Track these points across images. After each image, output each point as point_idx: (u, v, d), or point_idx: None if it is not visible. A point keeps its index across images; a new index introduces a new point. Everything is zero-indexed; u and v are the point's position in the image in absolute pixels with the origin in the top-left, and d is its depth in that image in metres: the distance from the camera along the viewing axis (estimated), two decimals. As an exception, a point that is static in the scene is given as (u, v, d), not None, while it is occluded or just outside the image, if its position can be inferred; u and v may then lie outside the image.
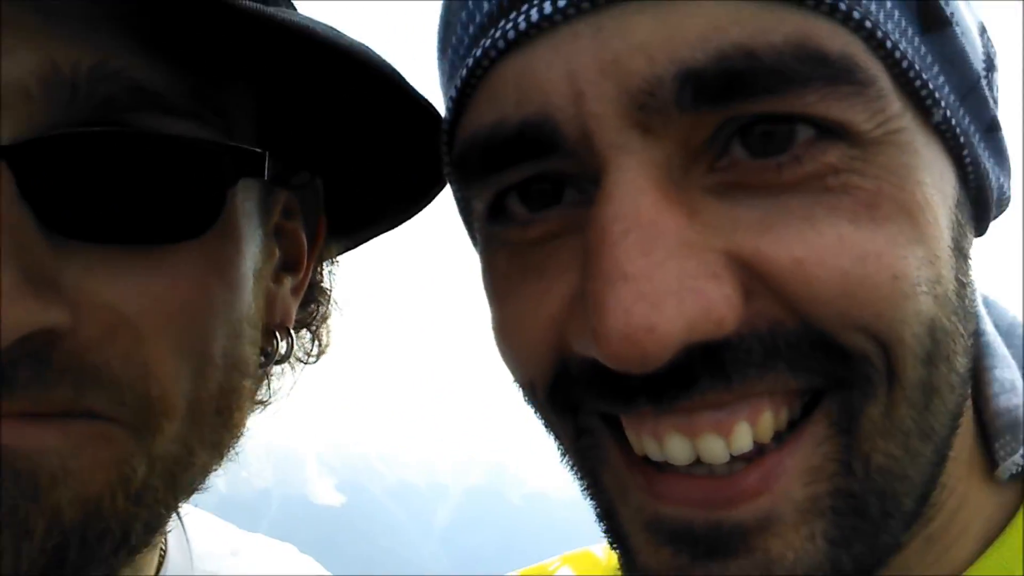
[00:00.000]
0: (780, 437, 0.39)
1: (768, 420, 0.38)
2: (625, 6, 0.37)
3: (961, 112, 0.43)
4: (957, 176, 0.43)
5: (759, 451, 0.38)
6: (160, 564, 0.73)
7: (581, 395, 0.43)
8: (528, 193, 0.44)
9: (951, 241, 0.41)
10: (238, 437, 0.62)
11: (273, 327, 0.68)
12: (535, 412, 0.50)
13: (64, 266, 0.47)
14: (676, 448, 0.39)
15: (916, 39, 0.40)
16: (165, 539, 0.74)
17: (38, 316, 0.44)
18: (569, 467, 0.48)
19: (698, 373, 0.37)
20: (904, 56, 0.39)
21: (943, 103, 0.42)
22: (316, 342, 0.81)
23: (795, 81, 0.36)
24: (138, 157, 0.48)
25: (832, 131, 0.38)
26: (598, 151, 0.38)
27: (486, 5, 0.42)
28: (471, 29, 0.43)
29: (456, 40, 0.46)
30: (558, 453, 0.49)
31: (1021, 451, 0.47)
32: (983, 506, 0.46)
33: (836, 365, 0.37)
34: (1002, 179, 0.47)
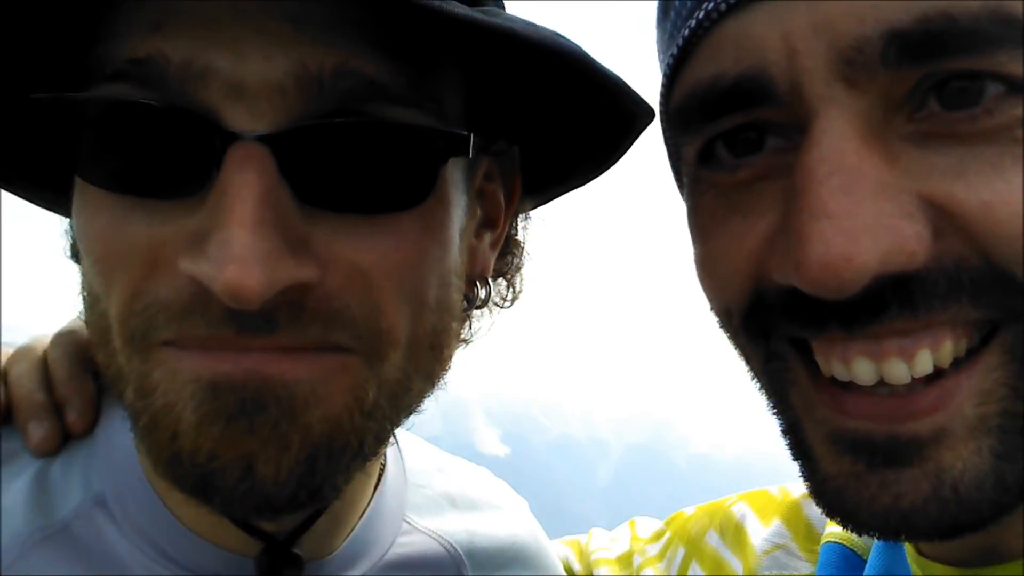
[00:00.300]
0: (958, 363, 0.42)
1: (948, 347, 0.42)
2: None
3: None
4: None
5: (937, 374, 0.42)
6: (381, 473, 0.87)
7: (775, 321, 0.48)
8: (735, 141, 0.49)
9: None
10: (447, 370, 0.73)
11: (474, 276, 0.79)
12: (729, 338, 0.54)
13: (314, 231, 0.58)
14: (862, 369, 0.43)
15: None
16: (384, 454, 0.87)
17: (295, 272, 0.55)
18: (758, 388, 0.53)
19: (888, 302, 0.41)
20: None
21: None
22: (511, 289, 0.92)
23: (989, 42, 0.39)
24: (371, 141, 0.59)
25: (1019, 87, 0.41)
26: (807, 101, 0.42)
27: None
28: None
29: (679, 3, 0.51)
30: (748, 376, 0.54)
31: None
32: None
33: (1014, 299, 0.40)
34: None
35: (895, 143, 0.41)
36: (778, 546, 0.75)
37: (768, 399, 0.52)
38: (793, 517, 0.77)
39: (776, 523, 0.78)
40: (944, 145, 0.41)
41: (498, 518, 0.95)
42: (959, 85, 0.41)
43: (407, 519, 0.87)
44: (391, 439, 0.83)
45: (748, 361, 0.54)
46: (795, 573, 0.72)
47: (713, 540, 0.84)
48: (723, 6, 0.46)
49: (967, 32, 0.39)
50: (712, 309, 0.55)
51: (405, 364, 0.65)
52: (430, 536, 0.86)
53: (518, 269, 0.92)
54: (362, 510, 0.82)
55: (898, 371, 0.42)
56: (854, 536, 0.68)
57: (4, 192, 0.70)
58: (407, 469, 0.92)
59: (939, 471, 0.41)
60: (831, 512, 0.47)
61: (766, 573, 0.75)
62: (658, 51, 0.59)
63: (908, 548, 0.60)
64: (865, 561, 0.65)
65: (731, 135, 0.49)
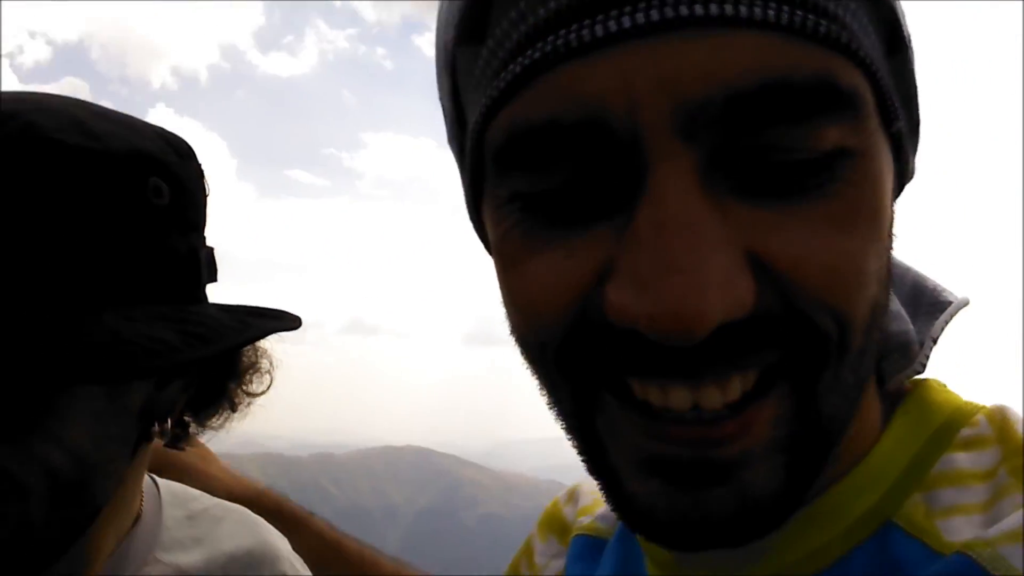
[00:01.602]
0: (759, 392, 0.45)
1: (752, 378, 0.44)
2: (681, 33, 0.41)
3: (903, 118, 0.50)
4: (895, 175, 0.50)
5: (743, 403, 0.44)
6: (137, 520, 0.86)
7: (599, 359, 0.47)
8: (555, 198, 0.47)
9: (889, 232, 0.49)
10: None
11: None
12: (535, 372, 0.52)
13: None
14: (680, 398, 0.44)
15: (884, 61, 0.47)
16: (142, 507, 0.87)
17: None
18: (557, 414, 0.52)
19: (718, 349, 0.42)
20: (883, 80, 0.46)
21: (899, 114, 0.48)
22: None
23: (817, 111, 0.42)
24: None
25: (834, 153, 0.43)
26: (646, 152, 0.42)
27: (543, 11, 0.45)
28: (522, 28, 0.46)
29: (501, 32, 0.48)
30: (549, 406, 0.53)
31: (913, 367, 0.56)
32: (870, 415, 0.54)
33: (807, 342, 0.43)
34: (913, 157, 0.54)
35: (724, 196, 0.43)
36: (552, 556, 0.78)
37: (567, 423, 0.52)
38: (557, 524, 0.79)
39: (550, 537, 0.80)
40: (763, 199, 0.43)
41: (234, 538, 0.94)
42: (785, 146, 0.43)
43: (156, 556, 0.86)
44: (156, 490, 0.89)
45: (553, 392, 0.52)
46: (556, 573, 0.74)
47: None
48: (563, 50, 0.44)
49: (799, 101, 0.42)
50: (521, 342, 0.52)
51: None
52: (168, 567, 0.86)
53: None
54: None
55: (713, 399, 0.44)
56: (600, 524, 0.71)
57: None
58: (164, 515, 0.90)
59: (743, 488, 0.44)
60: (635, 527, 0.48)
61: None
62: (455, 68, 0.53)
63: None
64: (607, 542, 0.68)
65: (550, 194, 0.47)
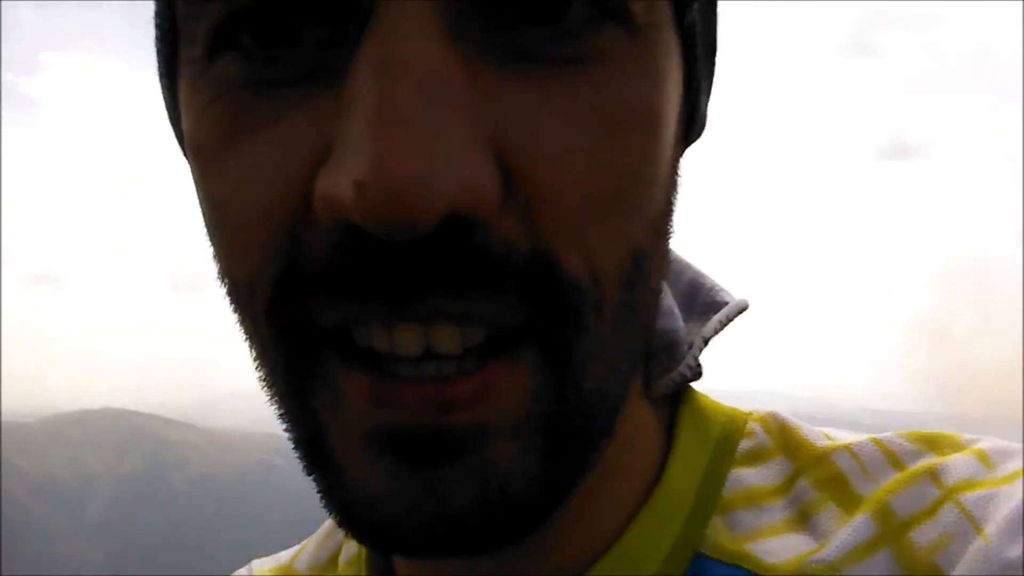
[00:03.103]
0: (501, 350, 0.36)
1: (495, 333, 0.36)
2: None
3: (700, 23, 0.41)
4: (681, 91, 0.41)
5: (485, 357, 0.36)
6: None
7: (311, 300, 0.36)
8: (261, 27, 0.35)
9: (671, 160, 0.40)
10: None
11: None
12: (240, 321, 0.41)
13: None
14: (407, 338, 0.35)
15: None
16: None
17: None
18: (267, 387, 0.41)
19: (439, 264, 0.33)
20: None
21: (696, 5, 0.40)
22: None
23: None
24: None
25: (610, 11, 0.35)
26: None
27: None
28: None
29: None
30: (260, 382, 0.42)
31: (679, 370, 0.49)
32: (643, 424, 0.48)
33: (555, 296, 0.35)
34: (706, 104, 0.47)
35: (473, 54, 0.33)
36: None
37: (280, 404, 0.41)
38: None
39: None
40: (519, 69, 0.34)
41: None
42: None
43: None
44: None
45: (262, 355, 0.41)
46: None
47: None
48: None
49: None
50: (228, 278, 0.40)
51: None
52: None
53: None
54: None
55: (449, 339, 0.35)
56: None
57: None
58: None
59: (484, 468, 0.35)
60: (359, 532, 0.39)
61: None
62: None
63: None
64: None
65: (257, 15, 0.35)
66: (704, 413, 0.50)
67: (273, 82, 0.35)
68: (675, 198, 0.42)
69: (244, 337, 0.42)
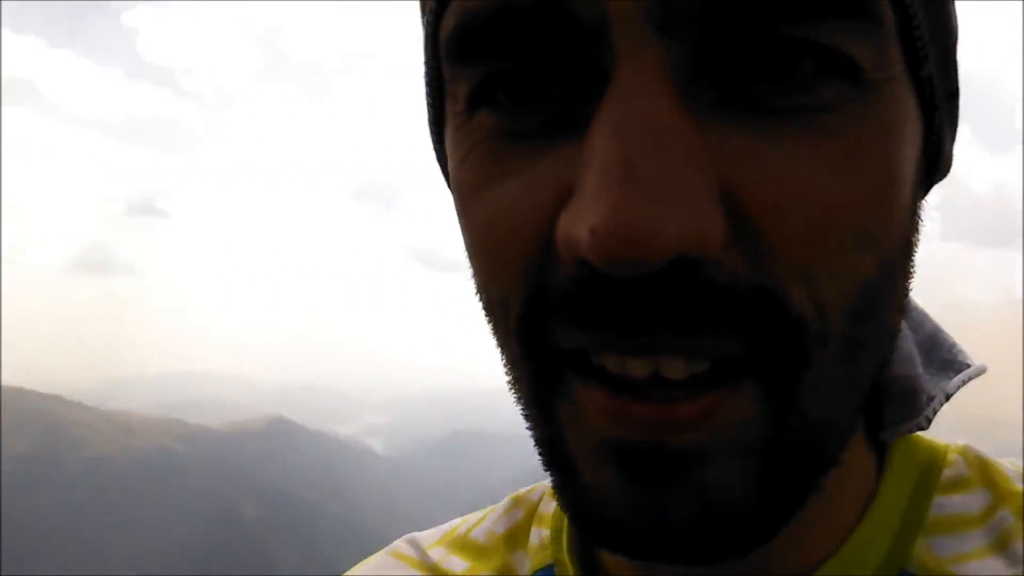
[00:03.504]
0: (723, 379, 0.38)
1: (705, 366, 0.38)
2: None
3: (937, 72, 0.43)
4: (922, 136, 0.43)
5: (708, 385, 0.38)
6: None
7: (554, 324, 0.40)
8: (514, 85, 0.41)
9: (910, 201, 0.42)
10: None
11: None
12: (495, 336, 0.46)
13: None
14: (637, 364, 0.38)
15: None
16: None
17: None
18: (515, 393, 0.47)
19: (666, 302, 0.36)
20: (912, 2, 0.39)
21: (930, 59, 0.42)
22: None
23: (825, 10, 0.36)
24: None
25: (839, 66, 0.37)
26: (614, 44, 0.36)
27: None
28: None
29: None
30: (510, 387, 0.47)
31: (917, 421, 0.51)
32: (860, 456, 0.50)
33: (777, 332, 0.37)
34: (951, 146, 0.48)
35: (702, 108, 0.36)
36: None
37: (526, 410, 0.46)
38: None
39: None
40: (745, 119, 0.37)
41: None
42: (776, 51, 0.36)
43: None
44: None
45: (512, 366, 0.46)
46: None
47: None
48: None
49: None
50: (485, 297, 0.46)
51: None
52: None
53: None
54: None
55: (676, 367, 0.38)
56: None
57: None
58: None
59: (703, 487, 0.38)
60: (589, 528, 0.43)
61: None
62: None
63: None
64: None
65: (510, 77, 0.41)
66: (910, 442, 0.52)
67: (523, 133, 0.40)
68: (915, 238, 0.43)
69: (496, 345, 0.47)
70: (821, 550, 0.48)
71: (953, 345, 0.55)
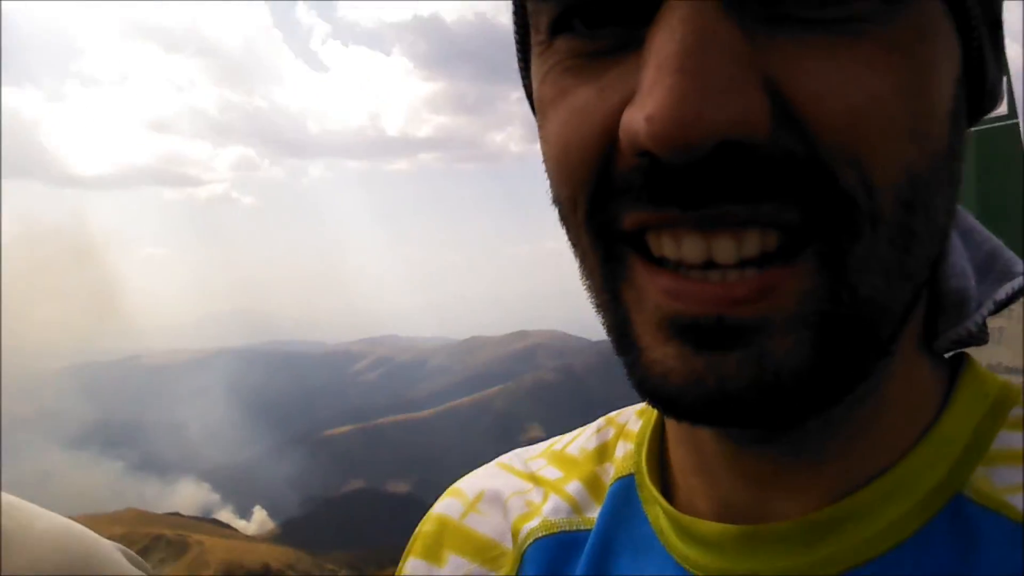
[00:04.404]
0: (781, 256, 0.43)
1: (773, 239, 0.43)
2: None
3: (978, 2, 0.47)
4: (962, 58, 0.47)
5: (761, 266, 0.43)
6: None
7: (618, 207, 0.46)
8: (587, 13, 0.47)
9: (949, 109, 0.45)
10: None
11: None
12: (569, 235, 0.52)
13: None
14: (692, 246, 0.43)
15: None
16: None
17: None
18: (588, 286, 0.52)
19: (725, 178, 0.41)
20: None
21: None
22: None
23: None
24: None
25: None
26: None
27: None
28: None
29: None
30: (583, 281, 0.53)
31: (965, 325, 0.54)
32: (922, 376, 0.53)
33: (829, 200, 0.41)
34: (996, 75, 0.51)
35: (744, 20, 0.41)
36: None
37: (598, 298, 0.51)
38: (459, 540, 0.71)
39: (454, 558, 0.72)
40: (788, 27, 0.42)
41: None
42: None
43: None
44: None
45: (584, 259, 0.52)
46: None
47: None
48: None
49: None
50: (557, 199, 0.52)
51: None
52: None
53: None
54: None
55: (727, 250, 0.42)
56: (554, 518, 0.65)
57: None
58: None
59: (762, 356, 0.42)
60: (654, 399, 0.47)
61: None
62: None
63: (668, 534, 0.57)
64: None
65: (584, 6, 0.47)
66: (983, 378, 0.54)
67: (596, 52, 0.46)
68: (959, 149, 0.47)
69: (571, 246, 0.52)
70: (878, 462, 0.50)
71: (1011, 258, 0.58)
